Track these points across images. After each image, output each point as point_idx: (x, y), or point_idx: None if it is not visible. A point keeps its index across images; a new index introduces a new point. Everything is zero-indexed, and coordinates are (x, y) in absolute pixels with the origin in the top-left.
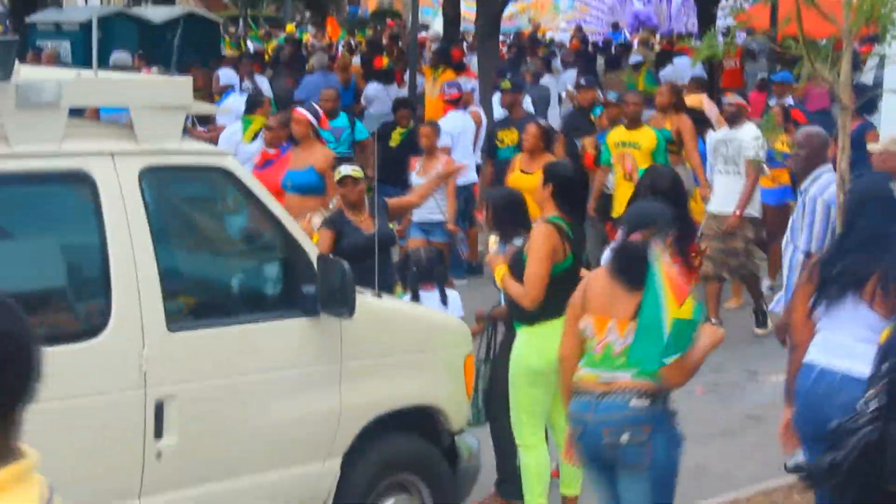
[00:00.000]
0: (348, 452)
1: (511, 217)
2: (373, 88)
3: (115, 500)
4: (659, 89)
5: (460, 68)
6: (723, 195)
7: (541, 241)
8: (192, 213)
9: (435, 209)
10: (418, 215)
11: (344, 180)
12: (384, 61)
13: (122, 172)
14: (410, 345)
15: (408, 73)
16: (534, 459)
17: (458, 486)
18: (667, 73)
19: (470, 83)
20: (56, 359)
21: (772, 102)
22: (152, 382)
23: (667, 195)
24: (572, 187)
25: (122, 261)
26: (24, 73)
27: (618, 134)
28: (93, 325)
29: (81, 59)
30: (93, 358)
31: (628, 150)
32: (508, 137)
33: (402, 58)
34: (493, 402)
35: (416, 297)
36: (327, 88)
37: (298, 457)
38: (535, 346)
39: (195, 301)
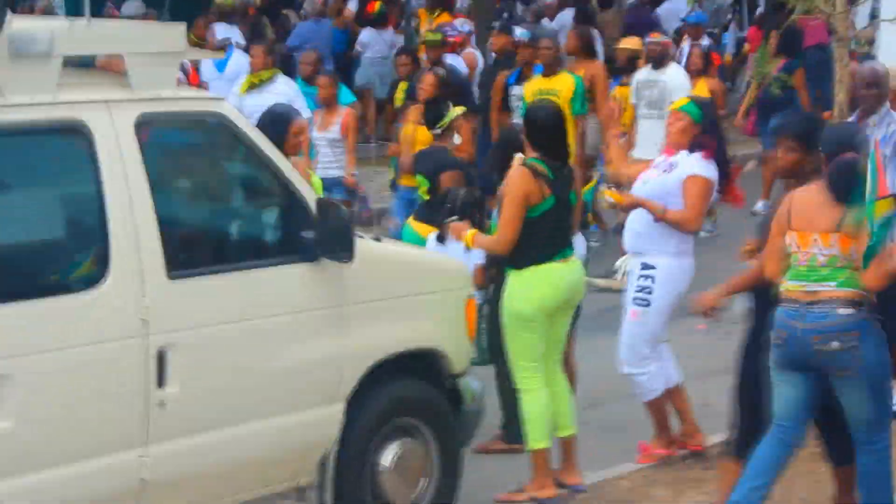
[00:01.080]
0: (351, 397)
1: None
2: (367, 34)
3: (118, 449)
4: (568, 33)
5: (453, 10)
6: (647, 140)
7: (512, 185)
8: (189, 160)
9: (332, 164)
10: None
11: None
12: (376, 6)
13: (118, 121)
14: (411, 288)
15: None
16: (533, 403)
17: (462, 428)
18: (662, 10)
19: (467, 25)
20: (56, 309)
21: (686, 46)
22: (153, 331)
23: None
24: (547, 128)
25: (120, 210)
26: (17, 23)
27: (536, 83)
28: (92, 275)
29: (74, 11)
30: (93, 308)
31: (547, 97)
32: None
33: (394, 1)
34: (496, 344)
35: (441, 240)
36: (308, 51)
37: (302, 402)
38: (520, 292)
39: (194, 249)
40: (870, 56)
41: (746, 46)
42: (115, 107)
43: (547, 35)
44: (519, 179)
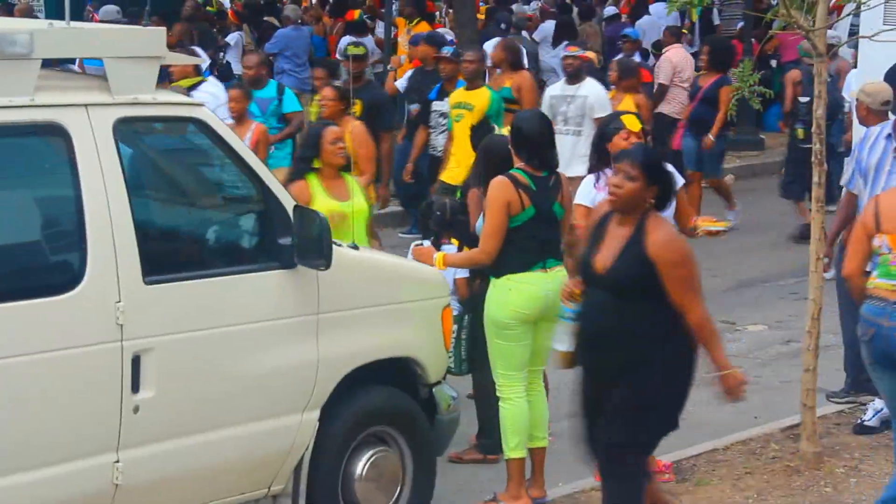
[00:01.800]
0: (326, 405)
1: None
2: (346, 42)
3: (92, 454)
4: (495, 45)
5: (433, 20)
6: (562, 157)
7: (493, 195)
8: (167, 164)
9: None
10: None
11: None
12: (356, 14)
13: (97, 124)
14: (388, 296)
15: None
16: (510, 412)
17: (437, 437)
18: (643, 23)
19: (448, 35)
20: (32, 312)
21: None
22: (128, 335)
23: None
24: (532, 138)
25: (97, 213)
26: None
27: (457, 95)
28: (68, 279)
29: (55, 13)
30: (69, 311)
31: (462, 111)
32: (354, 108)
33: (373, 10)
34: (475, 354)
35: (437, 247)
36: (250, 54)
37: (276, 409)
38: (496, 299)
39: (171, 253)
40: (726, 78)
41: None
42: (93, 110)
43: (470, 49)
44: (499, 189)
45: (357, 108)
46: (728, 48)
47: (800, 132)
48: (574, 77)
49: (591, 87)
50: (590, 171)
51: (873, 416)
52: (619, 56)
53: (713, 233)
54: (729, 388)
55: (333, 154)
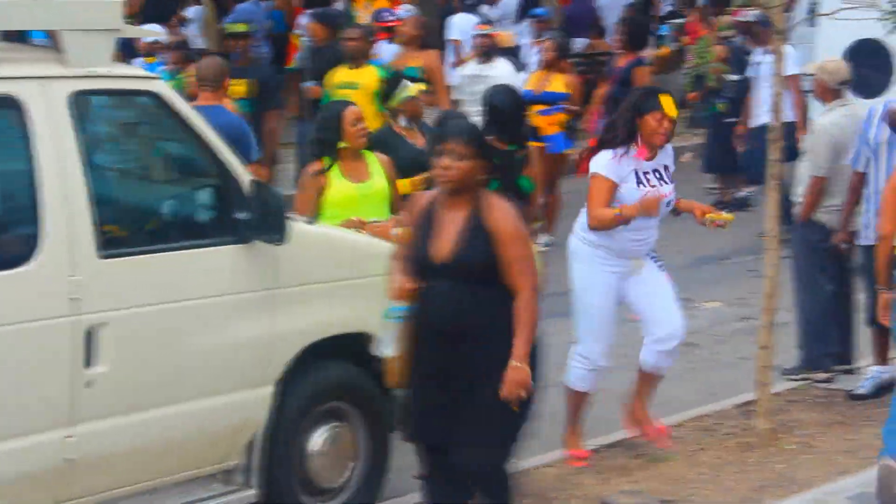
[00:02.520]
0: (282, 380)
1: None
2: (307, 17)
3: (45, 429)
4: (404, 20)
5: None
6: None
7: None
8: (123, 138)
9: None
10: None
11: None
12: None
13: (51, 97)
14: (344, 271)
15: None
16: None
17: (392, 413)
18: (606, 1)
19: (409, 11)
20: None
21: (526, 40)
22: (83, 310)
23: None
24: (502, 112)
25: (52, 187)
26: None
27: (339, 74)
28: (21, 253)
29: None
30: (21, 285)
31: (348, 91)
32: (239, 88)
33: None
34: None
35: None
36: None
37: (231, 385)
38: None
39: (126, 228)
40: (640, 59)
41: (685, 38)
42: (48, 82)
43: (354, 26)
44: None
45: (242, 88)
46: (644, 28)
47: (720, 106)
48: (485, 56)
49: (501, 67)
50: (611, 141)
51: (867, 383)
52: (548, 35)
53: (715, 223)
54: (512, 380)
55: (356, 136)
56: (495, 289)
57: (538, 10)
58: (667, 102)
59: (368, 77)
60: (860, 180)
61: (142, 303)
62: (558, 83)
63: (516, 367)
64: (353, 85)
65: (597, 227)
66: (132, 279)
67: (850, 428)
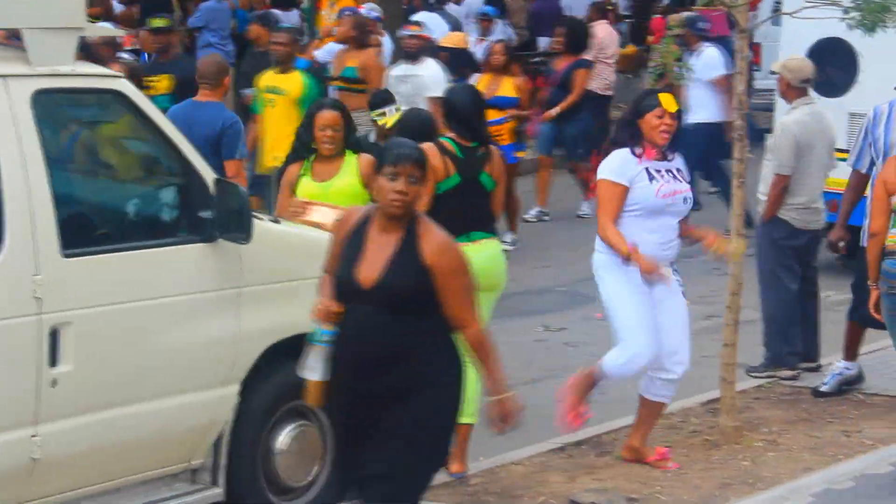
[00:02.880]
0: (247, 379)
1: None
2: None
3: (9, 428)
4: (340, 20)
5: None
6: None
7: None
8: (87, 136)
9: None
10: None
11: None
12: None
13: (14, 95)
14: (309, 270)
15: None
16: None
17: None
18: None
19: (374, 11)
20: None
21: (473, 37)
22: (46, 309)
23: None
24: (461, 110)
25: (15, 186)
26: None
27: (266, 78)
28: None
29: None
30: None
31: (274, 96)
32: (161, 84)
33: None
34: None
35: None
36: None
37: (197, 383)
38: None
39: (90, 226)
40: (582, 61)
41: (650, 38)
42: (11, 81)
43: (283, 29)
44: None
45: (165, 83)
46: (583, 31)
47: None
48: (413, 57)
49: (428, 67)
50: (615, 145)
51: (831, 380)
52: (497, 36)
53: (722, 255)
54: (505, 413)
55: (321, 141)
56: (423, 320)
57: (485, 8)
58: (665, 99)
59: (294, 84)
60: (862, 181)
61: (106, 302)
62: (508, 87)
63: (501, 400)
64: (279, 90)
65: (601, 237)
66: (96, 278)
67: (815, 425)
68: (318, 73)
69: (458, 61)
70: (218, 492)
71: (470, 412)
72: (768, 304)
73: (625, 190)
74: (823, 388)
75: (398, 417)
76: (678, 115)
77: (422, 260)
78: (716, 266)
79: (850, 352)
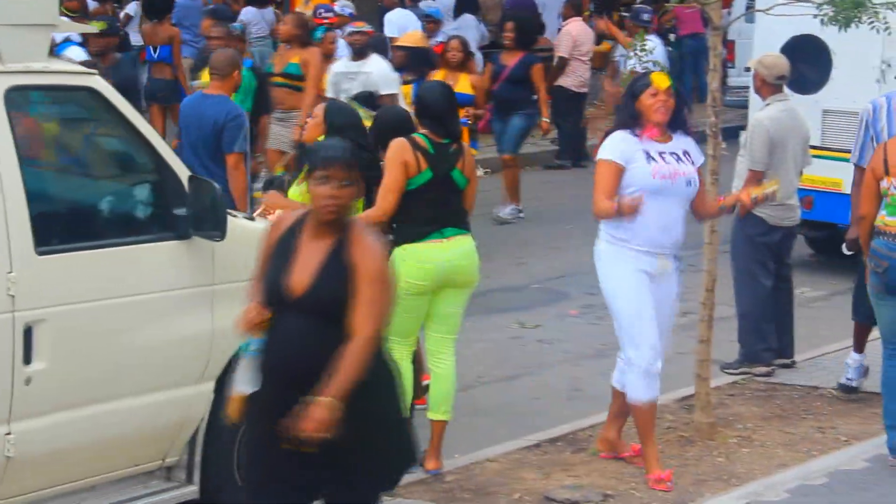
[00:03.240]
0: (222, 376)
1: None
2: (247, 13)
3: None
4: (285, 19)
5: None
6: None
7: (391, 154)
8: (60, 133)
9: None
10: None
11: None
12: None
13: None
14: None
15: None
16: None
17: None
18: None
19: (347, 8)
20: None
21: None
22: (20, 307)
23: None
24: (433, 107)
25: None
26: None
27: (205, 74)
28: None
29: None
30: None
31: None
32: None
33: None
34: None
35: None
36: None
37: (171, 381)
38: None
39: (64, 224)
40: (533, 56)
41: (622, 34)
42: None
43: (219, 25)
44: (397, 149)
45: None
46: (533, 25)
47: None
48: (359, 53)
49: (375, 64)
50: (616, 129)
51: (855, 373)
52: (450, 36)
53: (765, 196)
54: (311, 416)
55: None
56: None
57: (430, 10)
58: (657, 77)
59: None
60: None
61: (81, 299)
62: (464, 84)
63: (320, 403)
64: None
65: (597, 215)
66: (71, 275)
67: (790, 421)
68: (257, 70)
69: (416, 60)
70: (193, 489)
71: (444, 410)
72: (743, 300)
73: (619, 169)
74: (853, 384)
75: (340, 434)
76: (676, 94)
77: (351, 266)
78: (690, 262)
79: (859, 346)
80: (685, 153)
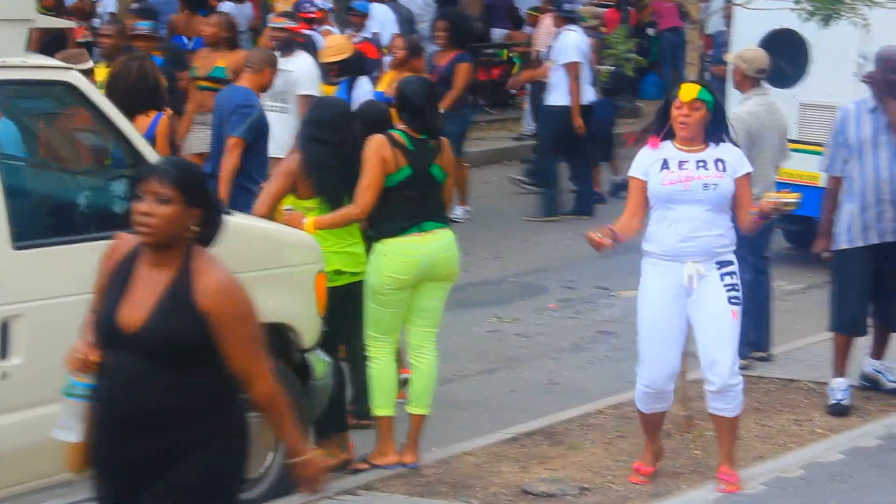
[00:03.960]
0: None
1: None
2: (226, 8)
3: None
4: (212, 21)
5: None
6: (273, 137)
7: (369, 151)
8: (37, 128)
9: None
10: None
11: None
12: None
13: None
14: (261, 261)
15: None
16: (376, 371)
17: (310, 403)
18: None
19: (327, 3)
20: None
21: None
22: None
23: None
24: (413, 102)
25: None
26: None
27: (99, 72)
28: None
29: None
30: None
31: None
32: None
33: None
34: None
35: None
36: None
37: None
38: (374, 264)
39: (41, 219)
40: (598, 30)
41: (603, 28)
42: None
43: (110, 22)
44: (375, 146)
45: None
46: (466, 24)
47: None
48: (283, 50)
49: (300, 62)
50: (645, 132)
51: (844, 396)
52: (366, 34)
53: (785, 205)
54: (307, 476)
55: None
56: (197, 370)
57: (356, 4)
58: (684, 88)
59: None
60: (837, 185)
61: (58, 294)
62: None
63: (308, 461)
64: (100, 85)
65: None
66: (48, 270)
67: (766, 414)
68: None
69: (347, 69)
70: None
71: (424, 404)
72: None
73: (641, 183)
74: (844, 403)
75: (165, 490)
76: (712, 105)
77: (195, 302)
78: None
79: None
80: (718, 161)
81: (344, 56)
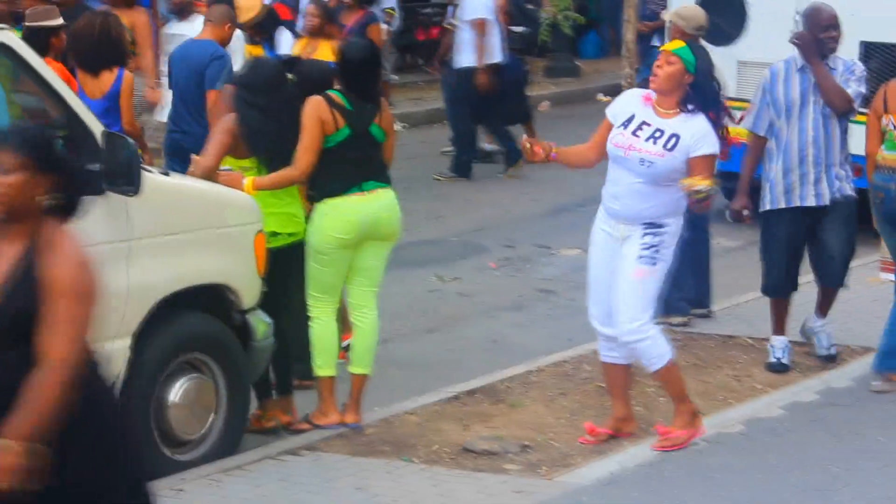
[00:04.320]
0: (138, 332)
1: None
2: None
3: None
4: None
5: None
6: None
7: (307, 112)
8: None
9: None
10: None
11: None
12: None
13: None
14: (200, 222)
15: None
16: (317, 331)
17: (251, 363)
18: None
19: None
20: None
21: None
22: None
23: None
24: (353, 66)
25: None
26: None
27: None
28: None
29: None
30: None
31: None
32: None
33: None
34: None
35: None
36: None
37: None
38: (315, 223)
39: None
40: (372, 15)
41: None
42: None
43: None
44: (313, 107)
45: None
46: None
47: None
48: (181, 13)
49: (196, 26)
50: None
51: (784, 354)
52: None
53: (697, 192)
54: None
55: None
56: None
57: None
58: (669, 43)
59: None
60: (762, 145)
61: None
62: (325, 51)
63: (5, 446)
64: None
65: None
66: None
67: (706, 370)
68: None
69: (262, 28)
70: None
71: (365, 363)
72: None
73: (608, 124)
74: (784, 361)
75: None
76: (693, 67)
77: (40, 277)
78: None
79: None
80: (672, 137)
81: (253, 14)
